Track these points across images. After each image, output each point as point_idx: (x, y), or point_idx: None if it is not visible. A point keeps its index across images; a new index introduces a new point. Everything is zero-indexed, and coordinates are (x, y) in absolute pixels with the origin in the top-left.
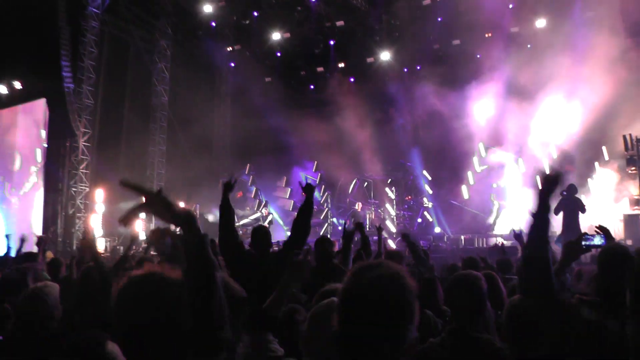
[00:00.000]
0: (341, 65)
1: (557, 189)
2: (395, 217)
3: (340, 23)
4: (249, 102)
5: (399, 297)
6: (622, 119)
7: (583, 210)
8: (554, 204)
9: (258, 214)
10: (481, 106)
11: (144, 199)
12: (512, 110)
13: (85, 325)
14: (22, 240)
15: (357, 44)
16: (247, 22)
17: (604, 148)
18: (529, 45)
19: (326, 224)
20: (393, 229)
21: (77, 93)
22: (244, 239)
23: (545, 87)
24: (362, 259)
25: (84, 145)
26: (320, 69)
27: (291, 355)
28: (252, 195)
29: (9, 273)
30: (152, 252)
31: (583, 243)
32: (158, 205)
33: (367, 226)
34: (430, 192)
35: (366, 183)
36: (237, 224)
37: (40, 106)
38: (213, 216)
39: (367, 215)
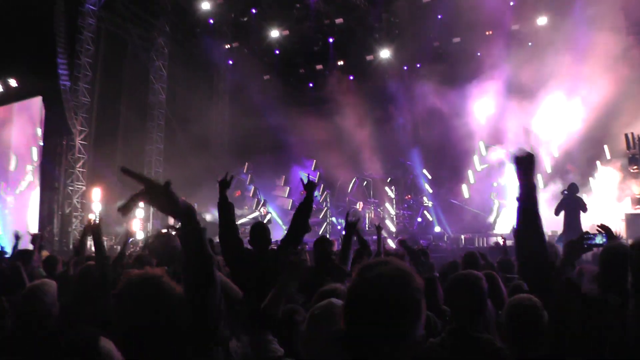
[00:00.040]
0: (340, 63)
1: (534, 167)
2: (395, 217)
3: (339, 20)
4: (248, 100)
5: (406, 296)
6: (624, 118)
7: (584, 210)
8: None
9: (256, 213)
10: (482, 104)
11: (144, 188)
12: (512, 108)
13: (83, 323)
14: (17, 238)
15: (356, 42)
16: (246, 19)
17: (605, 147)
18: (529, 43)
19: (325, 223)
20: (393, 228)
21: (73, 91)
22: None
23: (546, 85)
24: (362, 258)
25: (80, 143)
26: (319, 66)
27: (291, 355)
28: (251, 195)
29: (2, 270)
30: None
31: (584, 242)
32: (159, 195)
33: (367, 225)
34: (430, 191)
35: (365, 182)
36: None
37: (36, 104)
38: (211, 215)
39: (367, 215)
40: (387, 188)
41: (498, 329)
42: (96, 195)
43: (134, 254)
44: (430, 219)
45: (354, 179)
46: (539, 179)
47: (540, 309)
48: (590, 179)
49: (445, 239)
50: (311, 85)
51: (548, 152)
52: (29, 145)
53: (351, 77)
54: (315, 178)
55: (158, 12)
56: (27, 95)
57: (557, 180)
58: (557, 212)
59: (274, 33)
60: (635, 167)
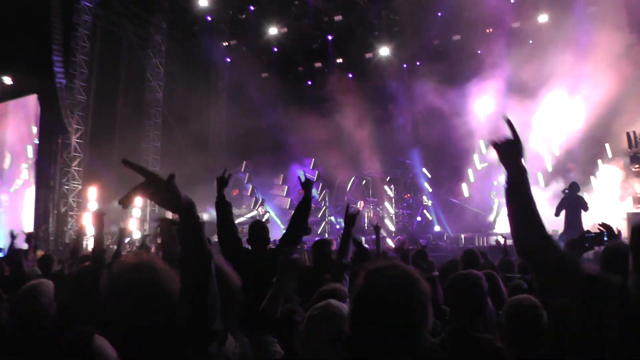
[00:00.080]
0: (339, 60)
1: (517, 151)
2: (394, 216)
3: (338, 18)
4: (246, 98)
5: (413, 300)
6: (626, 116)
7: (585, 209)
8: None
9: (254, 213)
10: (482, 103)
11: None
12: (513, 107)
13: (80, 323)
14: (13, 237)
15: (355, 40)
16: (244, 16)
17: (607, 145)
18: (530, 41)
19: (324, 223)
20: (392, 228)
21: (69, 89)
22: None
23: (547, 83)
24: (361, 258)
25: (76, 142)
26: (318, 64)
27: (290, 355)
28: (249, 193)
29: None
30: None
31: (585, 242)
32: (160, 188)
33: (366, 225)
34: (430, 190)
35: (364, 181)
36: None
37: (31, 102)
38: (208, 215)
39: (366, 214)
40: (386, 187)
41: (498, 329)
42: (92, 194)
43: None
44: (430, 218)
45: (353, 178)
46: (540, 178)
47: (539, 309)
48: (592, 177)
49: (445, 238)
50: (310, 83)
51: (549, 150)
52: (24, 144)
53: (350, 75)
54: (314, 176)
55: (155, 9)
56: (22, 93)
57: (559, 179)
58: (557, 212)
59: (273, 30)
60: (637, 165)
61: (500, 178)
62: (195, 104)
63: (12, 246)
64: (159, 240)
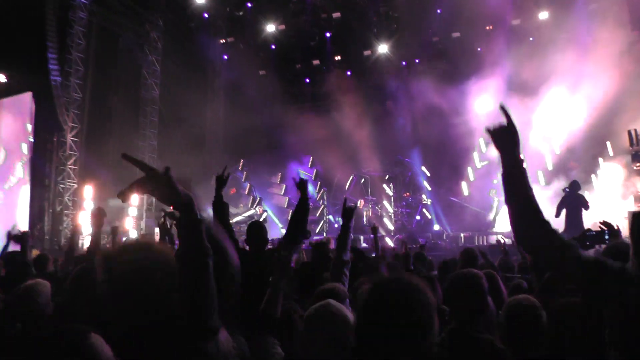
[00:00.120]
0: (338, 58)
1: (513, 139)
2: (393, 215)
3: (336, 15)
4: (243, 95)
5: (417, 311)
6: (627, 114)
7: (586, 207)
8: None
9: (252, 211)
10: (482, 101)
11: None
12: (513, 105)
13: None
14: (9, 238)
15: (354, 37)
16: (241, 13)
17: (608, 143)
18: (531, 39)
19: (322, 221)
20: (391, 227)
21: (64, 86)
22: (237, 237)
23: (547, 81)
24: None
25: (71, 140)
26: (316, 62)
27: (290, 353)
28: (246, 192)
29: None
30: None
31: (586, 240)
32: (159, 183)
33: (365, 222)
34: (429, 188)
35: (363, 179)
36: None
37: (26, 99)
38: (205, 214)
39: (365, 213)
40: (385, 185)
41: (498, 329)
42: (88, 192)
43: None
44: (429, 217)
45: (352, 177)
46: (540, 176)
47: (539, 309)
48: (593, 176)
49: (445, 237)
50: (308, 81)
51: (550, 149)
52: (18, 141)
53: (349, 73)
54: (312, 175)
55: (151, 5)
56: (16, 90)
57: (561, 177)
58: (558, 213)
59: (270, 27)
60: (638, 164)
61: (500, 176)
62: (192, 101)
63: (6, 248)
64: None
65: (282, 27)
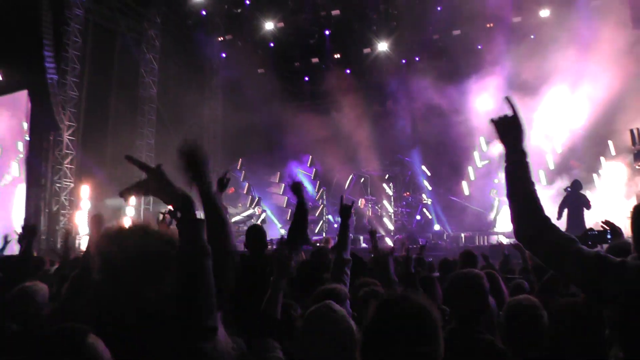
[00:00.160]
0: (337, 56)
1: (518, 130)
2: (393, 214)
3: (335, 12)
4: (241, 94)
5: (424, 332)
6: (629, 113)
7: (588, 207)
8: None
9: (251, 211)
10: (482, 99)
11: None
12: (506, 105)
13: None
14: (6, 242)
15: (353, 35)
16: (239, 10)
17: (610, 142)
18: (532, 36)
19: (321, 221)
20: (391, 226)
21: (61, 84)
22: (236, 237)
23: (549, 79)
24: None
25: (68, 139)
26: (315, 60)
27: (289, 354)
28: (245, 192)
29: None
30: None
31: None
32: (159, 183)
33: (367, 220)
34: (430, 188)
35: (363, 179)
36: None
37: (22, 98)
38: (203, 214)
39: (367, 212)
40: (385, 185)
41: (499, 329)
42: (85, 192)
43: None
44: (430, 216)
45: (351, 176)
46: (542, 176)
47: (539, 309)
48: (595, 175)
49: (445, 238)
50: (307, 79)
51: (551, 148)
52: (14, 139)
53: (348, 71)
54: (311, 174)
55: (148, 3)
56: (12, 88)
57: (564, 176)
58: (559, 213)
59: (269, 25)
60: None
61: (501, 175)
62: (189, 100)
63: (2, 251)
64: None
65: (281, 24)
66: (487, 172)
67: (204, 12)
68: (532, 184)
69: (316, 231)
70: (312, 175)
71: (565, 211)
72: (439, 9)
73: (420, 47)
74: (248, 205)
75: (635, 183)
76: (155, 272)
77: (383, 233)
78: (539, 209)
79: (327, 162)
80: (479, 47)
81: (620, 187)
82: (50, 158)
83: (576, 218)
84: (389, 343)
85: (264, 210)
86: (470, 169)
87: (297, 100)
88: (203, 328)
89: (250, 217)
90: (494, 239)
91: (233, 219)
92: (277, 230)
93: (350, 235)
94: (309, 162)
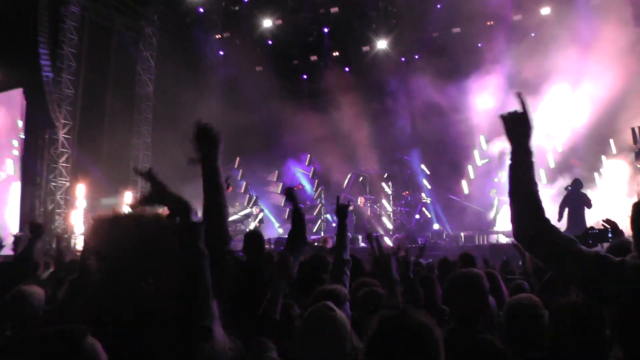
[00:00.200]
0: (336, 54)
1: (526, 128)
2: (391, 213)
3: (334, 10)
4: (239, 92)
5: (425, 350)
6: (631, 111)
7: (589, 206)
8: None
9: (248, 210)
10: (482, 97)
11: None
12: (514, 101)
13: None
14: (0, 246)
15: (352, 32)
16: (237, 8)
17: (611, 141)
18: (532, 34)
19: (320, 221)
20: (390, 226)
21: (56, 82)
22: (233, 236)
23: (549, 78)
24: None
25: (63, 137)
26: (314, 58)
27: (284, 353)
28: (242, 191)
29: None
30: None
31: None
32: (161, 193)
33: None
34: (429, 187)
35: (361, 178)
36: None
37: (17, 96)
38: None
39: (368, 211)
40: (384, 184)
41: (499, 329)
42: (80, 191)
43: None
44: (429, 216)
45: (350, 175)
46: (542, 175)
47: (540, 308)
48: (596, 174)
49: (444, 237)
50: (305, 77)
51: (552, 147)
52: (9, 137)
53: (347, 69)
54: (310, 173)
55: (146, 1)
56: (7, 86)
57: (564, 175)
58: (560, 214)
59: (267, 23)
60: None
61: (501, 174)
62: (187, 98)
63: None
64: None
65: (279, 22)
66: (487, 171)
67: (201, 10)
68: (535, 184)
69: (314, 230)
70: (311, 174)
71: (566, 210)
72: (438, 6)
73: (419, 45)
74: (245, 204)
75: (636, 182)
76: (152, 261)
77: (382, 232)
78: (540, 209)
79: (325, 160)
80: (479, 45)
81: (622, 185)
82: (45, 156)
83: (577, 217)
84: (389, 357)
85: (261, 210)
86: (470, 168)
87: (296, 99)
88: (201, 328)
89: (247, 216)
90: (493, 238)
91: (230, 218)
92: (274, 229)
93: (349, 234)
94: (307, 161)
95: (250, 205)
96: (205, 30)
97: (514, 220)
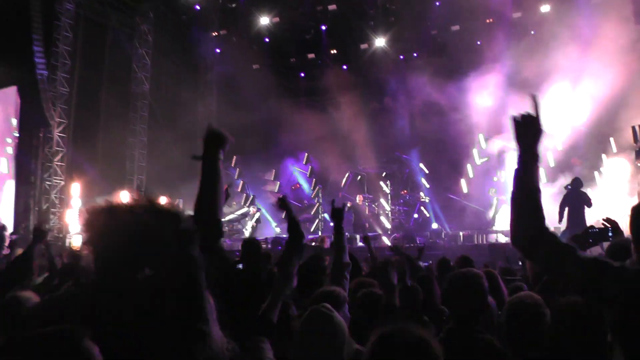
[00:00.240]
0: (333, 51)
1: (536, 132)
2: (390, 213)
3: (332, 7)
4: (236, 90)
5: None
6: (631, 110)
7: (589, 205)
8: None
9: (245, 210)
10: (482, 96)
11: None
12: (514, 100)
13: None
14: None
15: (350, 30)
16: (234, 5)
17: (611, 139)
18: (532, 32)
19: (317, 220)
20: (388, 225)
21: (51, 80)
22: (230, 235)
23: (549, 76)
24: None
25: (58, 136)
26: (311, 55)
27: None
28: (239, 190)
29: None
30: None
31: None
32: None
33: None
34: (428, 186)
35: (359, 177)
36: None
37: (11, 94)
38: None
39: (366, 210)
40: (382, 183)
41: (498, 329)
42: (75, 190)
43: None
44: (428, 215)
45: (348, 174)
46: (543, 174)
47: (542, 307)
48: (596, 173)
49: (443, 236)
50: (303, 75)
51: (552, 146)
52: (3, 136)
53: (345, 67)
54: (307, 172)
55: None
56: (1, 84)
57: (565, 174)
58: (560, 214)
59: (264, 20)
60: None
61: (500, 173)
62: (183, 96)
63: None
64: None
65: (277, 19)
66: (486, 170)
67: (197, 7)
68: (539, 190)
69: (312, 230)
70: (308, 173)
71: (566, 209)
72: (437, 3)
73: (418, 43)
74: (242, 204)
75: (637, 180)
76: (148, 250)
77: (380, 232)
78: (541, 213)
79: (323, 159)
80: (479, 43)
81: (623, 184)
82: (40, 155)
83: (577, 216)
84: None
85: (258, 209)
86: (469, 167)
87: (293, 97)
88: (198, 329)
89: (244, 215)
90: (492, 238)
91: (227, 217)
92: (272, 229)
93: (346, 234)
94: (304, 160)
95: (247, 205)
96: (201, 27)
97: (514, 221)
